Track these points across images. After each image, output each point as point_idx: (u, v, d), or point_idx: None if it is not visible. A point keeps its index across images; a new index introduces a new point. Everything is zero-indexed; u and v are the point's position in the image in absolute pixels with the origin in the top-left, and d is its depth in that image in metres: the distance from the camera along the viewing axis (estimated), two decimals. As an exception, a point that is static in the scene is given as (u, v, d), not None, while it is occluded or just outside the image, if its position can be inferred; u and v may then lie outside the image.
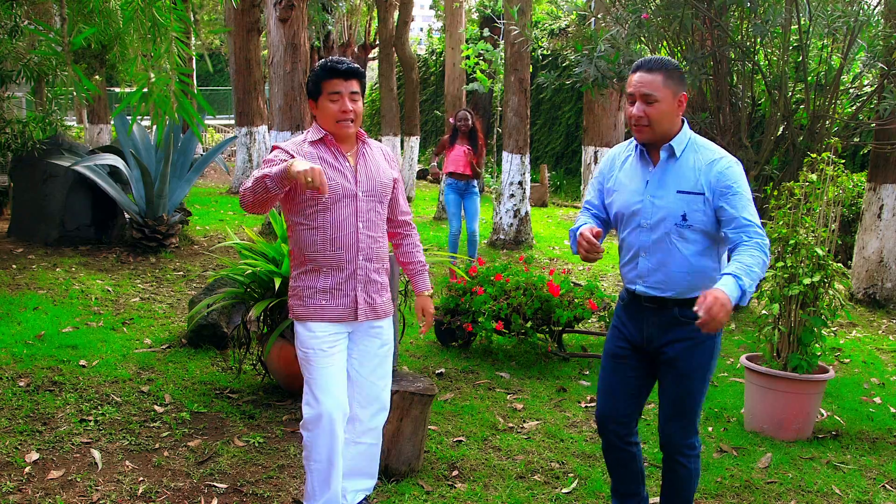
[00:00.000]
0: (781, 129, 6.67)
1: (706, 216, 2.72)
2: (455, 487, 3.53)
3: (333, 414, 2.89)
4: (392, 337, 3.14)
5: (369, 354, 3.04)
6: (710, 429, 4.41)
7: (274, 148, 2.94)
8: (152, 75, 3.66)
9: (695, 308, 2.52)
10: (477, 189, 8.09)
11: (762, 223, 2.77)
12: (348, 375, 3.01)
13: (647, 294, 2.83)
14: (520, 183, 9.88)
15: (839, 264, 4.36)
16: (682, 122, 2.81)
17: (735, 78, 6.83)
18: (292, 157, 2.80)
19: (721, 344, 2.89)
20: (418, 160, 17.11)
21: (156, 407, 4.24)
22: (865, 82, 7.14)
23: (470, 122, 8.01)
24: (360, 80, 2.92)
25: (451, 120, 8.35)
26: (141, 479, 3.45)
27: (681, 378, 2.83)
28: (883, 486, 3.78)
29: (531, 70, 10.10)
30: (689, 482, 2.91)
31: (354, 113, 2.90)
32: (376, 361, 3.06)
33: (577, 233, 2.82)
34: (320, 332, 2.90)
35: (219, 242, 8.52)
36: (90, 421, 4.00)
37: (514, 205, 9.86)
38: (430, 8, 23.54)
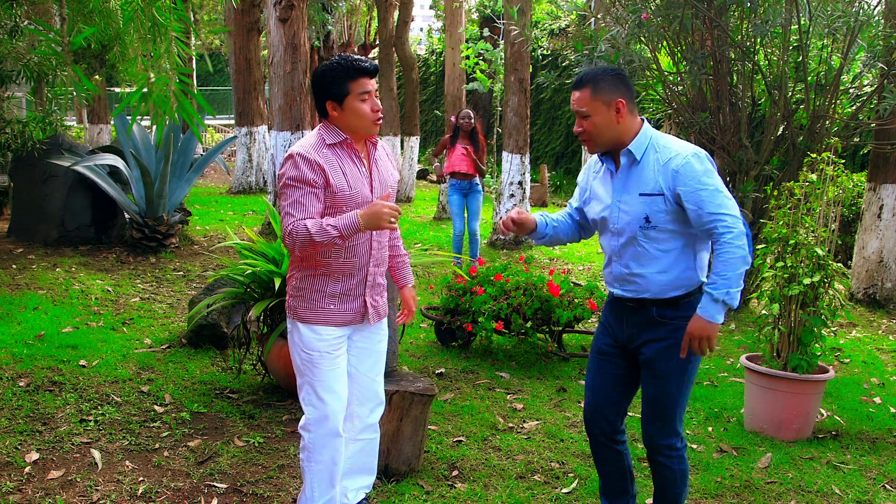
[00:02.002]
0: (781, 129, 6.67)
1: (669, 215, 2.73)
2: (455, 487, 3.53)
3: (338, 414, 2.90)
4: (387, 332, 3.14)
5: (368, 351, 3.03)
6: (710, 429, 4.41)
7: (290, 158, 2.75)
8: (152, 75, 3.66)
9: (682, 355, 2.72)
10: (480, 188, 8.09)
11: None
12: (349, 374, 3.00)
13: (625, 296, 2.87)
14: (520, 183, 9.88)
15: (839, 264, 4.36)
16: (642, 122, 2.82)
17: (735, 78, 6.83)
18: (319, 168, 2.73)
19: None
20: (418, 160, 17.11)
21: (156, 407, 4.24)
22: (865, 82, 7.14)
23: (472, 121, 8.02)
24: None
25: (452, 119, 8.36)
26: (141, 479, 3.45)
27: (658, 379, 2.84)
28: (883, 486, 3.78)
29: (531, 70, 10.11)
30: (674, 483, 2.91)
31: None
32: (374, 358, 3.06)
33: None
34: (327, 335, 2.87)
35: (219, 242, 8.52)
36: (90, 421, 4.00)
37: (514, 205, 9.86)
38: (430, 8, 23.53)
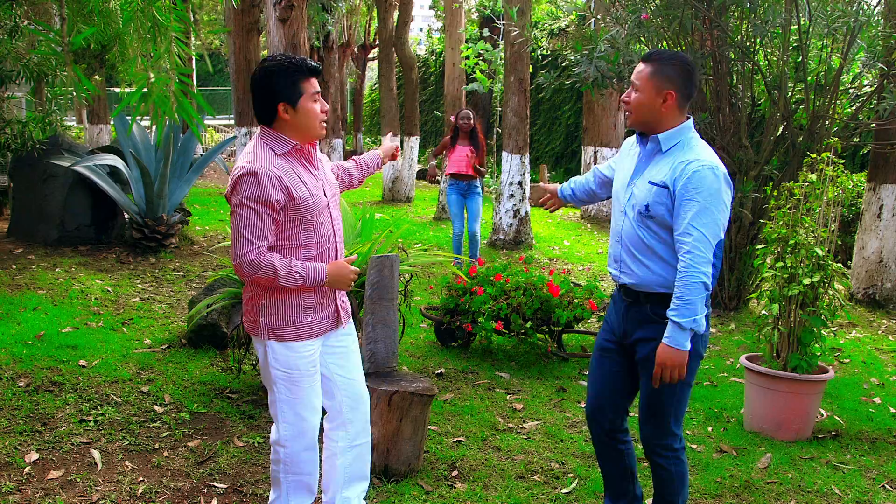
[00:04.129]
0: (781, 129, 6.67)
1: (668, 211, 2.73)
2: (455, 487, 3.53)
3: (316, 428, 2.88)
4: (355, 330, 3.10)
5: (346, 351, 2.99)
6: (709, 429, 4.41)
7: (247, 175, 2.59)
8: (152, 75, 3.65)
9: (654, 385, 2.77)
10: (479, 189, 8.07)
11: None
12: (333, 382, 2.97)
13: (620, 280, 2.90)
14: (519, 183, 9.88)
15: (839, 264, 4.36)
16: (687, 118, 2.82)
17: (735, 78, 6.83)
18: (281, 184, 2.63)
19: (699, 347, 2.84)
20: (418, 160, 17.09)
21: (156, 407, 4.24)
22: (865, 82, 7.14)
23: (472, 121, 8.01)
24: None
25: (452, 119, 8.35)
26: (141, 479, 3.45)
27: (651, 377, 2.84)
28: (883, 486, 3.79)
29: (531, 70, 10.11)
30: (671, 485, 2.91)
31: None
32: (354, 358, 3.03)
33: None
34: (306, 351, 2.81)
35: (219, 242, 8.52)
36: (90, 421, 4.00)
37: (514, 205, 9.86)
38: (430, 8, 23.54)
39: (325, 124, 2.78)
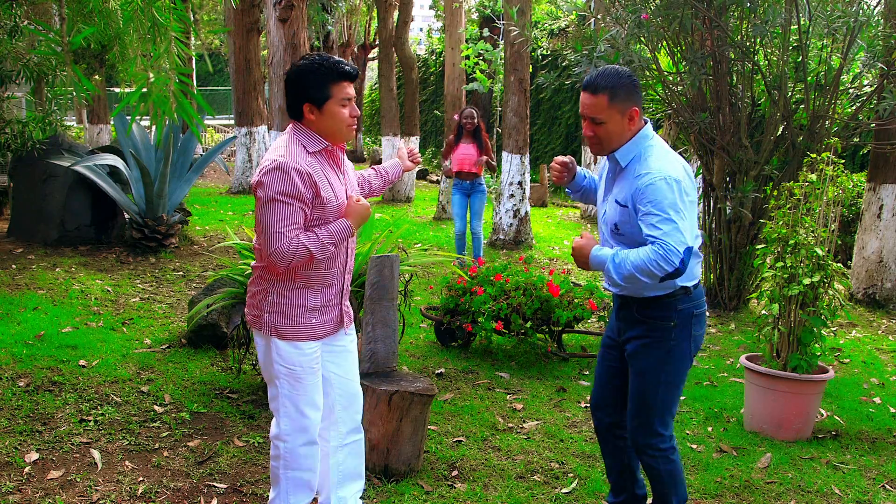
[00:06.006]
0: (781, 129, 6.67)
1: (633, 227, 2.76)
2: (455, 487, 3.53)
3: (317, 424, 2.89)
4: (355, 332, 3.11)
5: (344, 351, 3.00)
6: (709, 429, 4.41)
7: (277, 169, 2.61)
8: (152, 75, 3.65)
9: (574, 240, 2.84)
10: (484, 187, 8.06)
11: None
12: (327, 380, 2.97)
13: (608, 289, 2.98)
14: (519, 183, 9.88)
15: (839, 264, 4.36)
16: (644, 123, 2.82)
17: (735, 78, 6.83)
18: (310, 180, 2.65)
19: (690, 349, 2.87)
20: (418, 160, 17.02)
21: (156, 407, 4.24)
22: (865, 82, 7.13)
23: (476, 120, 7.99)
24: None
25: (455, 118, 8.34)
26: (141, 479, 3.45)
27: (637, 375, 2.89)
28: (883, 486, 3.78)
29: (531, 70, 10.11)
30: (661, 483, 2.93)
31: None
32: (351, 358, 3.03)
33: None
34: (309, 349, 2.82)
35: (218, 242, 8.53)
36: (90, 421, 4.00)
37: (514, 205, 9.86)
38: (430, 8, 23.54)
39: (353, 128, 2.76)
